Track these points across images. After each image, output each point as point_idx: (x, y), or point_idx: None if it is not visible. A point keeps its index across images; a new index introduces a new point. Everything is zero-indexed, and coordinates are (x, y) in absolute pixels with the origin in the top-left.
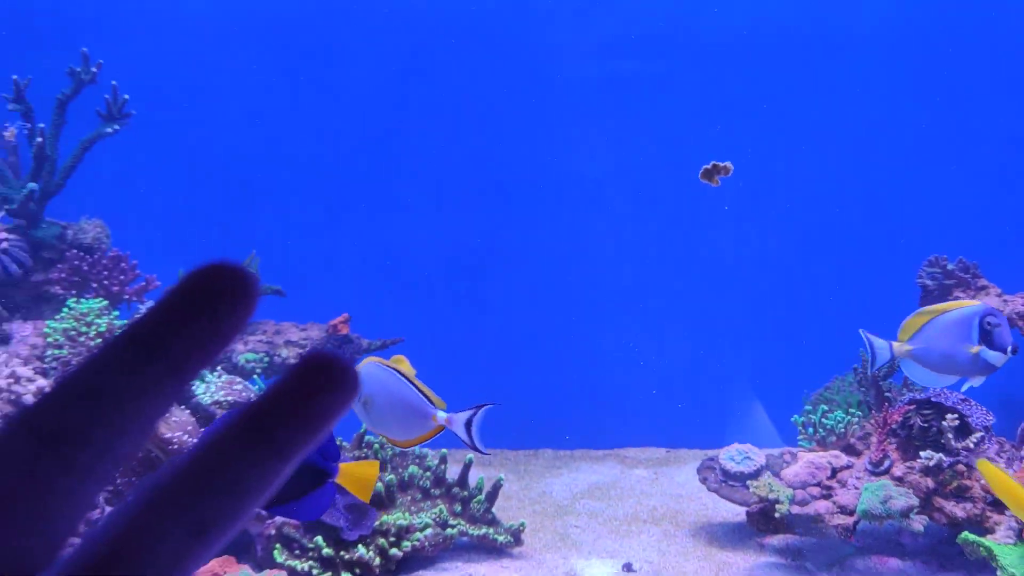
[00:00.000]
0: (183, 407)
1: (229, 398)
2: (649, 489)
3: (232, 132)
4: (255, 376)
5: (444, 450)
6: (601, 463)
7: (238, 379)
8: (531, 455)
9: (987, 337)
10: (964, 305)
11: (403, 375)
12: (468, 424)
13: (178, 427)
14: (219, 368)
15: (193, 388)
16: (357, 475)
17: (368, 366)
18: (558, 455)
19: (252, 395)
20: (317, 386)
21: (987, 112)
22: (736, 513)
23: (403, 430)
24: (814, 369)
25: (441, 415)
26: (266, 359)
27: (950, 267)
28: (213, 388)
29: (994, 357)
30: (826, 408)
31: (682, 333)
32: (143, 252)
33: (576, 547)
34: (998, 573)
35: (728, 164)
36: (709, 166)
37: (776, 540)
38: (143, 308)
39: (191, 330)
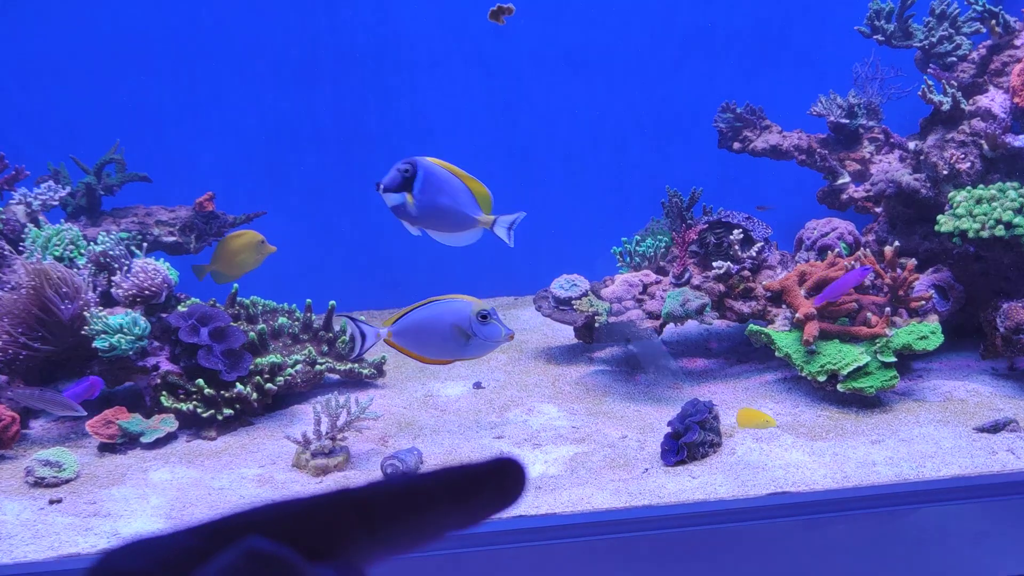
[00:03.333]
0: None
1: (140, 287)
2: None
3: (85, 17)
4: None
5: (308, 300)
6: None
7: (151, 265)
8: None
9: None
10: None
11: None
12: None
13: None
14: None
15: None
16: None
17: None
18: None
19: (162, 279)
20: (490, 488)
21: None
22: (570, 337)
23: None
24: (637, 216)
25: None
26: (139, 237)
27: (739, 111)
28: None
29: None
30: (639, 239)
31: (524, 199)
32: (9, 148)
33: (434, 376)
34: (776, 353)
35: (511, 6)
36: (495, 7)
37: (603, 353)
38: (15, 195)
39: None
